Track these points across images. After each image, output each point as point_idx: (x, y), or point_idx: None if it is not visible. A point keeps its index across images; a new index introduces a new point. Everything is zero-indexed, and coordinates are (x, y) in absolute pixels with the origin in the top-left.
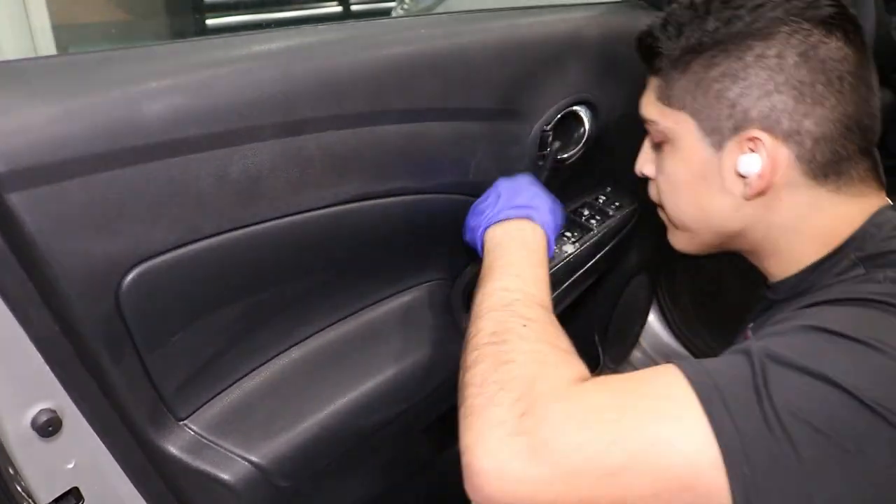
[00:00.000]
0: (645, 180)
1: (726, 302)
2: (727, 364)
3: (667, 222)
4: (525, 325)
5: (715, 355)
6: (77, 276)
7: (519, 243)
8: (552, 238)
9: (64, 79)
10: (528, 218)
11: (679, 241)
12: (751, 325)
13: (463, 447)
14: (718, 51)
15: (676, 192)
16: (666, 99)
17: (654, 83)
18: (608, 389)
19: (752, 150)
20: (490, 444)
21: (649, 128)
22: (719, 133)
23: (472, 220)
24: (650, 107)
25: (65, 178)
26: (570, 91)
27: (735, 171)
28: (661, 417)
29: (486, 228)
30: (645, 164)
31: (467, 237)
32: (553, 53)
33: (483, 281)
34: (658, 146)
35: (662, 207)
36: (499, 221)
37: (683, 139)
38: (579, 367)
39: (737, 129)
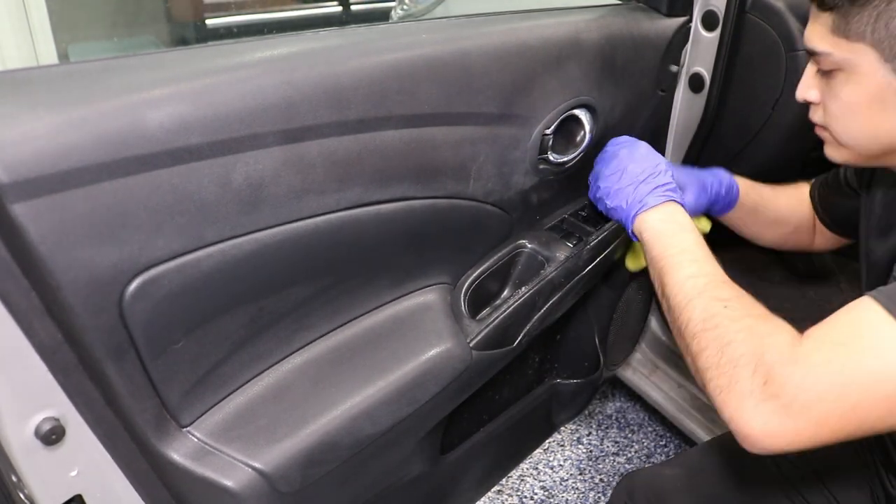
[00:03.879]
0: None
1: None
2: None
3: (828, 140)
4: (726, 307)
5: None
6: (80, 285)
7: (677, 227)
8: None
9: (66, 88)
10: (669, 199)
11: (839, 156)
12: None
13: (727, 419)
14: None
15: (849, 116)
16: (842, 32)
17: (825, 18)
18: (827, 342)
19: None
20: (747, 413)
21: (819, 59)
22: None
23: (614, 199)
24: (822, 40)
25: (68, 188)
26: (570, 94)
27: None
28: (878, 353)
29: (636, 215)
30: (808, 90)
31: (607, 206)
32: (553, 57)
33: (665, 270)
34: (827, 73)
35: (826, 129)
36: (648, 209)
37: (861, 67)
38: (786, 327)
39: None
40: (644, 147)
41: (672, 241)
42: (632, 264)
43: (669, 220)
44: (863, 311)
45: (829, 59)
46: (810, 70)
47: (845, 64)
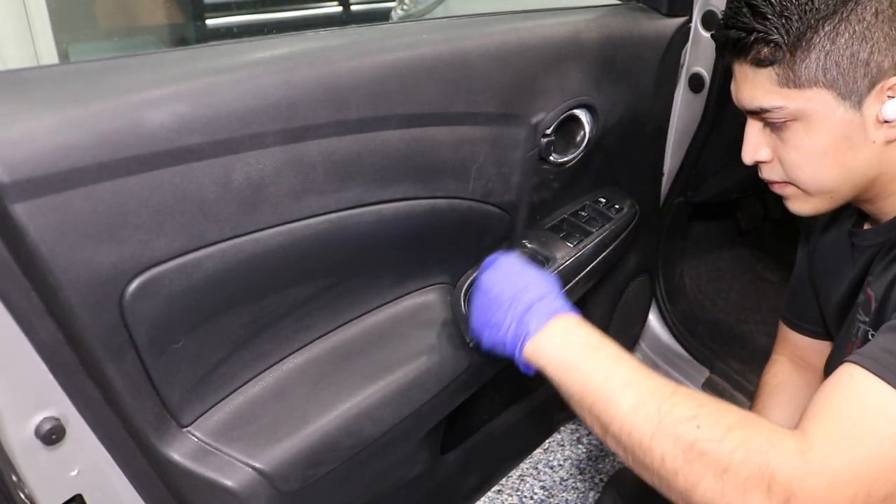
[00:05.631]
0: (646, 180)
1: (725, 303)
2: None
3: (793, 194)
4: (698, 426)
5: (714, 356)
6: (81, 284)
7: (583, 350)
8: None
9: (66, 88)
10: (556, 313)
11: (810, 207)
12: (869, 278)
13: None
14: (838, 20)
15: (816, 162)
16: (792, 82)
17: (765, 73)
18: (838, 439)
19: (892, 97)
20: None
21: (768, 115)
22: (857, 93)
23: (490, 336)
24: (769, 95)
25: (68, 188)
26: (569, 95)
27: (877, 120)
28: (891, 434)
29: (522, 348)
30: (758, 150)
31: (484, 345)
32: (553, 57)
33: (598, 409)
34: (777, 127)
35: (789, 183)
36: (533, 335)
37: (818, 112)
38: (777, 429)
39: (873, 83)
40: (508, 261)
41: (587, 371)
42: None
43: (568, 342)
44: (859, 387)
45: (781, 112)
46: (754, 128)
47: (800, 113)
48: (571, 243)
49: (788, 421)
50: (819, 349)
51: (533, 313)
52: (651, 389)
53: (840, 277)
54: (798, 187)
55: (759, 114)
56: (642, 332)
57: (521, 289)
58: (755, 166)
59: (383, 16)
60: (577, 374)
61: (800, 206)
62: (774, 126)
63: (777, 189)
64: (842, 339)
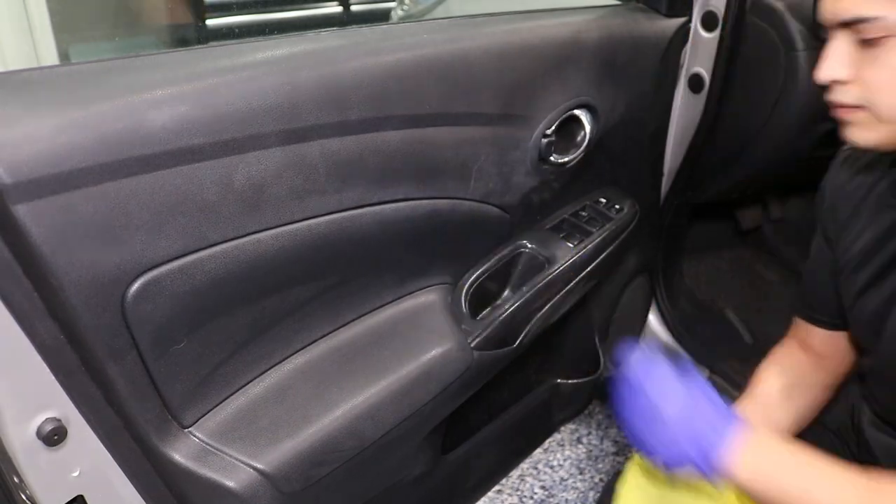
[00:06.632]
0: (646, 180)
1: (725, 303)
2: None
3: (862, 120)
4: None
5: (714, 355)
6: (83, 285)
7: (776, 459)
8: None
9: (68, 89)
10: (727, 426)
11: (875, 137)
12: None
13: None
14: None
15: None
16: None
17: None
18: None
19: None
20: None
21: (864, 27)
22: None
23: (669, 451)
24: (872, 4)
25: (70, 189)
26: (570, 95)
27: None
28: None
29: (712, 464)
30: (836, 67)
31: (657, 461)
32: (554, 57)
33: None
34: (870, 43)
35: (862, 108)
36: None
37: None
38: None
39: None
40: (663, 376)
41: (768, 481)
42: None
43: (760, 452)
44: None
45: (878, 24)
46: (842, 45)
47: None
48: (572, 243)
49: (777, 382)
50: (833, 343)
51: (716, 430)
52: (842, 485)
53: (883, 242)
54: (872, 112)
55: (853, 25)
56: (642, 332)
57: (694, 400)
58: (754, 166)
59: (383, 16)
60: (775, 484)
61: (865, 134)
62: (866, 42)
63: (844, 113)
64: (883, 291)
